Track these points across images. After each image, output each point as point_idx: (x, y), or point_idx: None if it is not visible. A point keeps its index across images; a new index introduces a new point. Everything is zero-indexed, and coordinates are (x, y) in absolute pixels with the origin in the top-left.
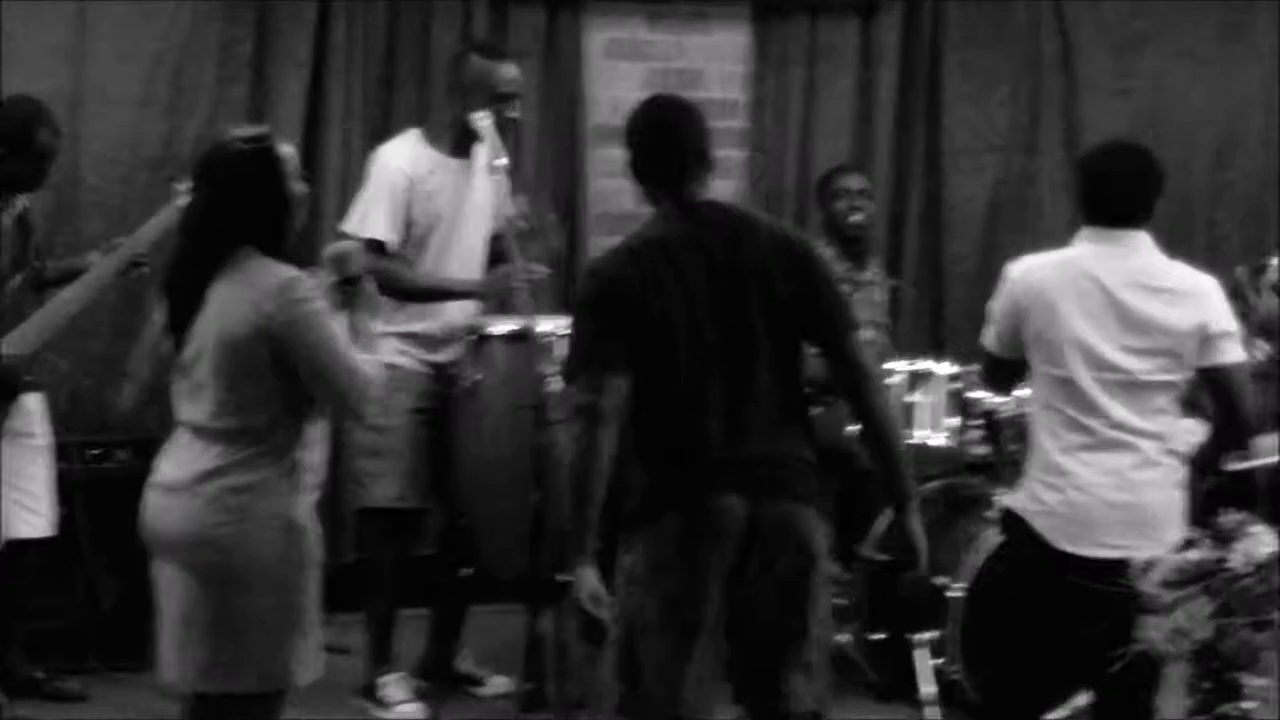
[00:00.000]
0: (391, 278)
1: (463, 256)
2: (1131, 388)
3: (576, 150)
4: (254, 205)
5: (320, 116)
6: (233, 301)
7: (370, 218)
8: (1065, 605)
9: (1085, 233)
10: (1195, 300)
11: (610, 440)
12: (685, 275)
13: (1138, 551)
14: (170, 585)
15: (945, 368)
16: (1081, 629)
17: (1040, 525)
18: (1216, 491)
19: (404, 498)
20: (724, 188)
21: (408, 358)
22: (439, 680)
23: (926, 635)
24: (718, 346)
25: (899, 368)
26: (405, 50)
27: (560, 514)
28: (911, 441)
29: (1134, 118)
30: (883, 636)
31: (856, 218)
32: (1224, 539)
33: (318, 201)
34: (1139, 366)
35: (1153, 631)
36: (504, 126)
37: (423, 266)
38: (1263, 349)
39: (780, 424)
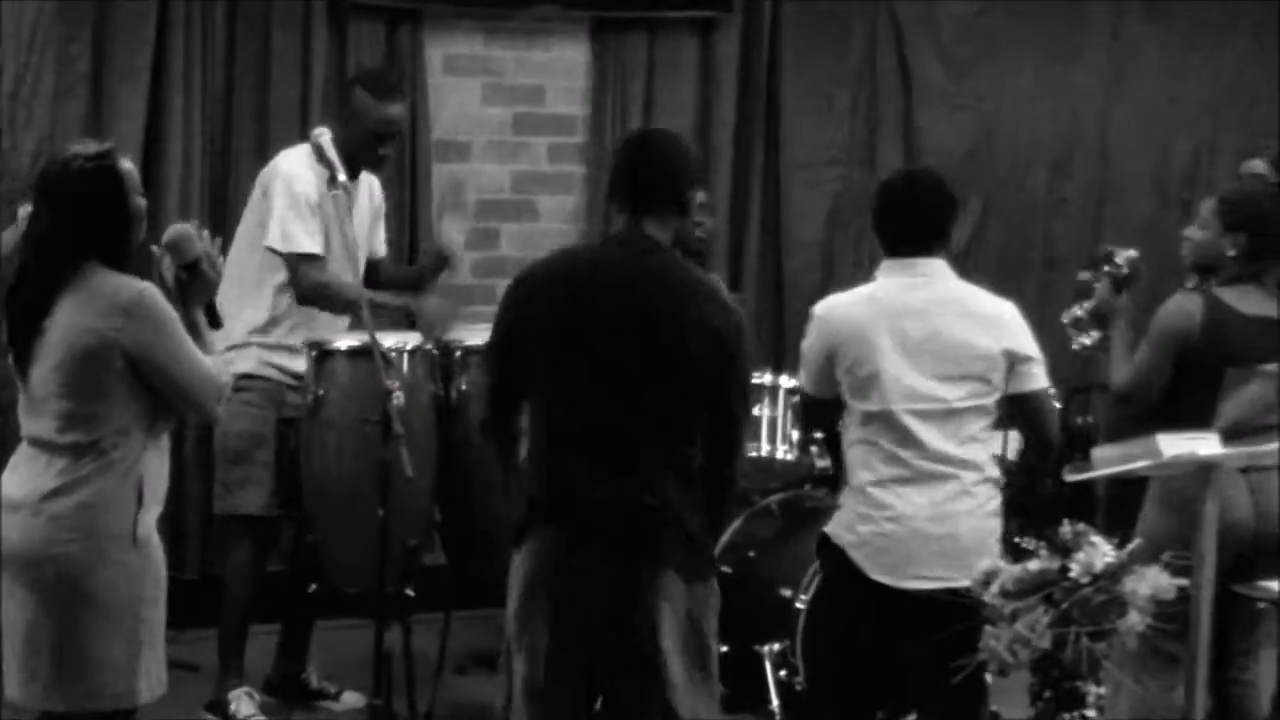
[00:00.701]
0: (334, 289)
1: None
2: (946, 416)
3: (418, 164)
4: (98, 222)
5: (160, 131)
6: (79, 316)
7: (293, 232)
8: (888, 626)
9: (885, 265)
10: (1000, 326)
11: (517, 449)
12: (593, 309)
13: (952, 583)
14: (15, 603)
15: (787, 381)
16: (905, 649)
17: (856, 557)
18: (1056, 502)
19: (271, 506)
20: (564, 202)
21: (272, 368)
22: (288, 696)
23: (774, 646)
24: (608, 389)
25: None
26: (245, 65)
27: (405, 529)
28: (755, 455)
29: (970, 132)
30: (727, 649)
31: (698, 232)
32: (1063, 550)
33: (157, 216)
34: (952, 394)
35: (994, 641)
36: (378, 163)
37: None
38: (1093, 336)
39: (663, 478)
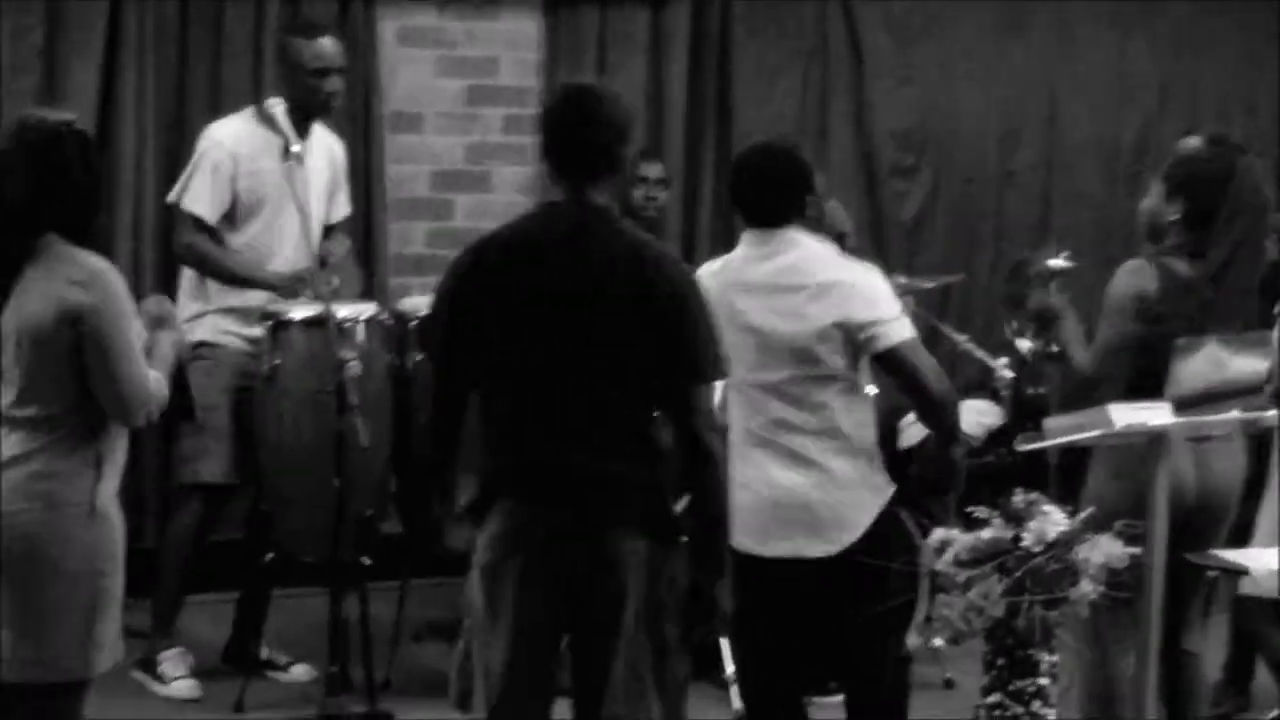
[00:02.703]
0: (208, 257)
1: (295, 240)
2: (785, 386)
3: (372, 137)
4: (73, 189)
5: (113, 105)
6: (38, 289)
7: (192, 191)
8: (767, 595)
9: (743, 235)
10: (839, 293)
11: (457, 425)
12: (534, 279)
13: (806, 551)
14: None
15: None
16: (803, 621)
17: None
18: (1009, 471)
19: (228, 474)
20: (517, 173)
21: (229, 335)
22: (243, 665)
23: None
24: (553, 358)
25: None
26: (198, 37)
27: (361, 498)
28: None
29: (920, 106)
30: None
31: (652, 207)
32: (1015, 519)
33: (112, 189)
34: (776, 374)
35: (947, 610)
36: (323, 104)
37: (243, 242)
38: (1025, 345)
39: (616, 445)
